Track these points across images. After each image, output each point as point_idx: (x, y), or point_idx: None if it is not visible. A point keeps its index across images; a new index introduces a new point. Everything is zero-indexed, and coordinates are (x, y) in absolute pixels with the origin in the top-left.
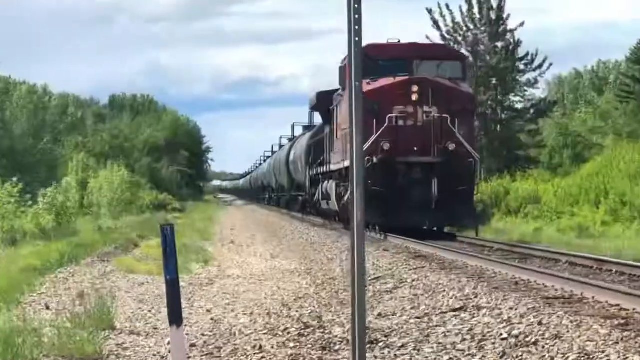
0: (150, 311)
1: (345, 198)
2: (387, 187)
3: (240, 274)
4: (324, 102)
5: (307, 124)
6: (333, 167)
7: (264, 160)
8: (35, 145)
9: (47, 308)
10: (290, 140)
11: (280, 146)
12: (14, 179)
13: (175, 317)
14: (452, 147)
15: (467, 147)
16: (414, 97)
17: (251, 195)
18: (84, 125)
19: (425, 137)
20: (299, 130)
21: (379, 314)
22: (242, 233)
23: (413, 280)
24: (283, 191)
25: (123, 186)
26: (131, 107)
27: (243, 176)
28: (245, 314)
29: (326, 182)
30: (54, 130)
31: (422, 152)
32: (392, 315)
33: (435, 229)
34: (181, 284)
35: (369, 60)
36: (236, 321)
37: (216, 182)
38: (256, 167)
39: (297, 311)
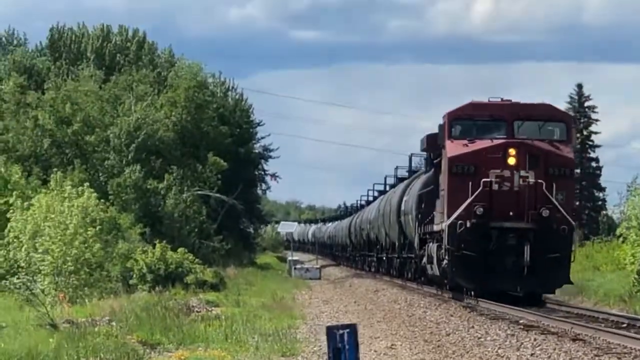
0: None
1: (444, 263)
2: (480, 252)
3: None
4: (434, 146)
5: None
6: (435, 228)
7: (374, 198)
8: None
9: None
10: (409, 175)
11: (399, 179)
12: None
13: None
14: (545, 213)
15: (562, 213)
16: (511, 161)
17: (351, 255)
18: None
19: (520, 202)
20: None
21: None
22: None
23: None
24: (394, 251)
25: (88, 231)
26: (98, 54)
27: (337, 217)
28: None
29: (431, 243)
30: None
31: (515, 217)
32: None
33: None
34: None
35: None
36: None
37: (285, 227)
38: (360, 205)
39: None
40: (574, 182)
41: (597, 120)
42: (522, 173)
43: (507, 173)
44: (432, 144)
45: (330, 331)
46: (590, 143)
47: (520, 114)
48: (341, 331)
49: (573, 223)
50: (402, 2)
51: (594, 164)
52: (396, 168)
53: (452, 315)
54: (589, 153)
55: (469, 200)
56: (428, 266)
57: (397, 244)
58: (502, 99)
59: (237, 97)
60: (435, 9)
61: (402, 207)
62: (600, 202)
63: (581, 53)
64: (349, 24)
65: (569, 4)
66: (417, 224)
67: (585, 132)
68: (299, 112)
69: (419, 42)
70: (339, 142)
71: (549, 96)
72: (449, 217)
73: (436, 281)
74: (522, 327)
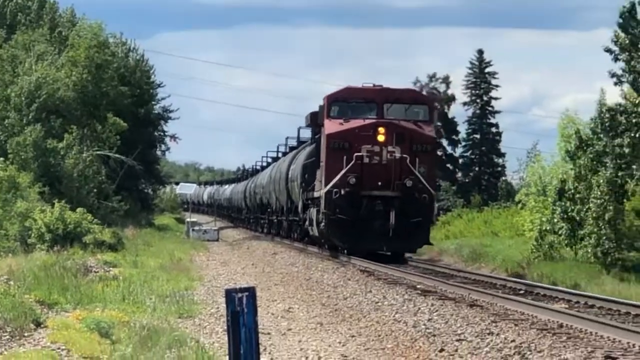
0: None
1: (321, 225)
2: (352, 216)
3: None
4: (316, 123)
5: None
6: (316, 194)
7: (267, 164)
8: None
9: None
10: (297, 145)
11: (290, 148)
12: None
13: None
14: (409, 183)
15: (424, 184)
16: (380, 138)
17: (247, 218)
18: None
19: (387, 174)
20: (306, 135)
21: None
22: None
23: None
24: (283, 214)
25: None
26: None
27: (235, 180)
28: None
29: (312, 207)
30: None
31: (383, 186)
32: None
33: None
34: None
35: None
36: None
37: (184, 189)
38: (256, 170)
39: None
40: (435, 157)
41: (497, 86)
42: (390, 149)
43: (376, 148)
44: (314, 121)
45: (229, 294)
46: (490, 109)
47: (389, 97)
48: (240, 294)
49: (433, 192)
50: None
51: (493, 130)
52: (287, 138)
53: (349, 279)
54: (489, 119)
55: (343, 172)
56: (309, 228)
57: (285, 208)
58: (374, 85)
59: (138, 58)
60: None
61: (290, 175)
62: (499, 168)
63: (483, 19)
64: None
65: None
66: (301, 190)
67: (485, 98)
68: (201, 73)
69: (322, 6)
70: (240, 104)
71: (449, 62)
72: (326, 185)
73: (317, 241)
74: (419, 292)
